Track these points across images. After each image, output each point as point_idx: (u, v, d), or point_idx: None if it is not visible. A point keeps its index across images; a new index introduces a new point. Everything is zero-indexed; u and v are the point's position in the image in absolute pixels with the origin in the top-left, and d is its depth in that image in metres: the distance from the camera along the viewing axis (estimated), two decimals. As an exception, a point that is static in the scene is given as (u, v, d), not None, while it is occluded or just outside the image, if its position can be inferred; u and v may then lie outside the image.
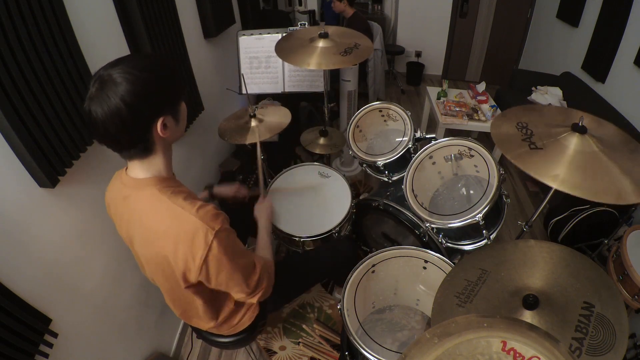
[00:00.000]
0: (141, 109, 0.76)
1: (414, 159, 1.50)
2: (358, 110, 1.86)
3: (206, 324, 1.15)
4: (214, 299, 1.09)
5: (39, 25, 0.90)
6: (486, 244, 1.33)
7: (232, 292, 1.00)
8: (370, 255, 1.34)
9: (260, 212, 1.37)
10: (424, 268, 1.36)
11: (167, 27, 1.55)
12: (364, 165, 1.85)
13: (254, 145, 1.57)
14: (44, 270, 1.00)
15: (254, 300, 1.05)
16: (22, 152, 0.88)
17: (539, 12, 3.93)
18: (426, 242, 1.54)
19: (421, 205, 1.42)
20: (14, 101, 0.84)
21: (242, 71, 2.21)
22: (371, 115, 1.88)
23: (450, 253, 1.56)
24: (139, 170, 0.88)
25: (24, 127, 0.87)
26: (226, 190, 1.51)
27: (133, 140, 0.81)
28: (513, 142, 1.08)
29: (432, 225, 1.35)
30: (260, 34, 2.17)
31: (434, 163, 1.54)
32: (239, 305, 1.18)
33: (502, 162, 1.83)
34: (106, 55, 0.84)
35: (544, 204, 1.21)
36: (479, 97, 3.03)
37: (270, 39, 2.13)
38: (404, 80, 4.80)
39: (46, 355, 0.94)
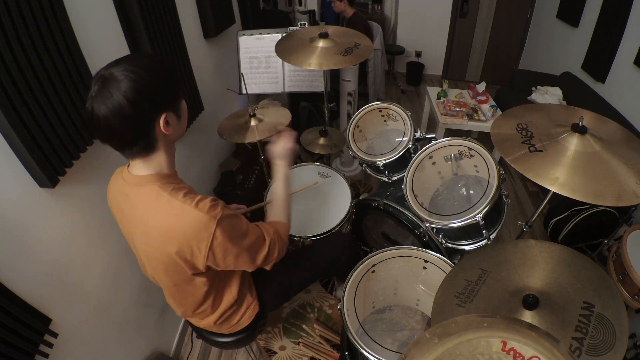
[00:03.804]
0: (143, 105, 0.77)
1: (414, 159, 1.50)
2: (358, 110, 1.86)
3: (206, 318, 1.15)
4: (217, 287, 1.10)
5: (39, 25, 0.90)
6: (486, 244, 1.33)
7: (242, 268, 1.02)
8: (370, 255, 1.34)
9: (280, 152, 1.18)
10: (424, 268, 1.36)
11: (167, 27, 1.54)
12: (364, 165, 1.85)
13: (254, 144, 1.57)
14: (44, 270, 1.00)
15: (267, 267, 1.08)
16: (22, 152, 0.88)
17: (539, 12, 3.93)
18: (426, 242, 1.54)
19: (421, 205, 1.42)
20: (14, 101, 0.84)
21: (242, 71, 2.21)
22: (371, 115, 1.88)
23: (450, 253, 1.56)
24: (140, 167, 0.89)
25: (24, 127, 0.87)
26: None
27: (135, 137, 0.81)
28: (513, 145, 1.07)
29: (432, 225, 1.35)
30: (260, 34, 2.17)
31: (434, 163, 1.54)
32: (239, 299, 1.18)
33: (502, 162, 1.83)
34: (106, 55, 0.84)
35: (544, 204, 1.21)
36: (479, 97, 3.03)
37: (270, 39, 2.13)
38: (404, 80, 4.80)
39: (46, 355, 0.94)
